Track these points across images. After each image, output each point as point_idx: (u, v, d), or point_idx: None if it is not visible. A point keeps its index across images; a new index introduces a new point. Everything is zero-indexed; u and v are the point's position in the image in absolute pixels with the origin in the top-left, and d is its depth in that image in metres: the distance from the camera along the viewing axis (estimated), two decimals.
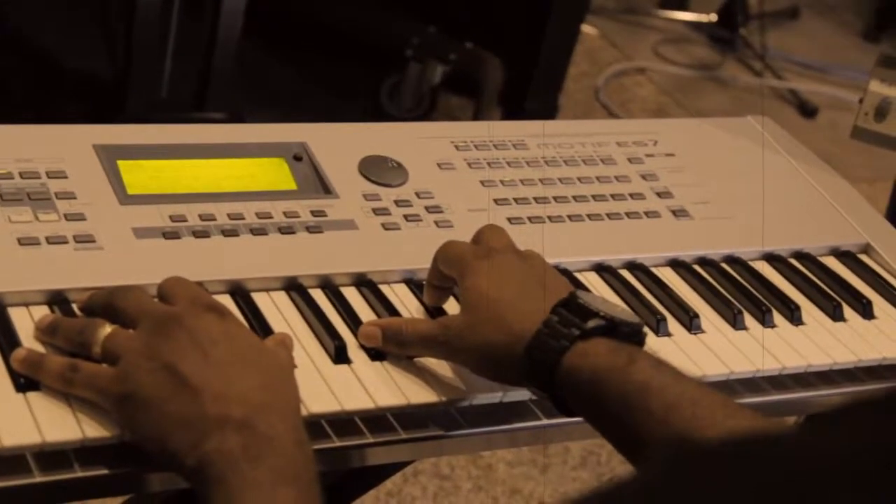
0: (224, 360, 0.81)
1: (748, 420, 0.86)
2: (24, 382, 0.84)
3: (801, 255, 1.21)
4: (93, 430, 0.82)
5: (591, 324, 0.88)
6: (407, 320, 0.99)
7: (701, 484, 0.44)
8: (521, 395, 0.95)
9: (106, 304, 0.89)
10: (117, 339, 0.83)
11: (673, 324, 1.08)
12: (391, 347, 0.96)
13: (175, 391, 0.79)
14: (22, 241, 0.96)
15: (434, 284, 1.01)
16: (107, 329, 0.85)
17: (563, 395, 0.89)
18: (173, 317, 0.83)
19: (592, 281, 1.11)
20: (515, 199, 1.17)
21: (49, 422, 0.82)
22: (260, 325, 0.96)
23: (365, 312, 1.00)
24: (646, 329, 0.94)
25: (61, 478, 0.81)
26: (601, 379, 0.86)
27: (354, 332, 0.97)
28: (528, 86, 2.65)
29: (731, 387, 1.04)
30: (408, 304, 1.03)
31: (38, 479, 0.81)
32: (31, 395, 0.84)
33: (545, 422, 0.96)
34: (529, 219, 1.15)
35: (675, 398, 0.85)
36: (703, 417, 0.84)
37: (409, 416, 0.93)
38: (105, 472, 0.83)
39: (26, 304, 0.92)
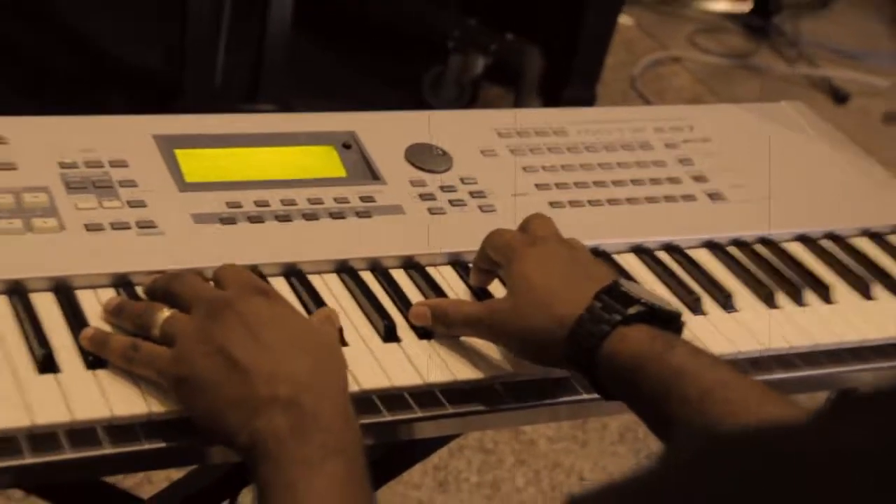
0: (273, 343, 0.82)
1: (780, 405, 0.85)
2: (93, 360, 0.86)
3: (833, 237, 1.21)
4: (158, 405, 0.84)
5: (632, 310, 0.88)
6: (454, 301, 1.00)
7: (725, 473, 0.45)
8: (562, 371, 0.96)
9: (164, 289, 0.91)
10: (174, 323, 0.85)
11: (708, 303, 1.08)
12: (439, 327, 0.97)
13: (227, 373, 0.80)
14: (88, 227, 0.98)
15: (480, 268, 1.02)
16: (165, 313, 0.87)
17: (603, 379, 0.90)
18: (225, 301, 0.85)
19: (630, 262, 1.12)
20: (556, 185, 1.18)
21: (117, 397, 0.84)
22: (316, 305, 0.97)
23: (413, 293, 1.01)
24: (683, 313, 0.95)
25: (129, 450, 0.83)
26: (640, 364, 0.87)
27: (403, 312, 0.99)
28: (567, 75, 2.65)
29: (765, 363, 1.04)
30: (453, 286, 1.04)
31: (108, 450, 0.83)
32: (100, 371, 0.86)
33: (585, 396, 0.97)
34: (570, 203, 1.16)
35: (710, 384, 0.85)
36: (737, 402, 0.84)
37: (456, 392, 0.94)
38: (169, 444, 0.84)
39: (93, 287, 0.94)
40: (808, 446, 0.45)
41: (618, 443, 2.16)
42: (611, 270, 0.98)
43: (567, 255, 0.97)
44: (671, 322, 0.91)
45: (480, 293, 1.04)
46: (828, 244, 1.20)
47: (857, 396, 0.47)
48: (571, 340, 0.89)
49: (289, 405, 0.78)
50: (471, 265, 1.04)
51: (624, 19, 3.19)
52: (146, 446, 0.84)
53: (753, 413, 0.83)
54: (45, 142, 1.05)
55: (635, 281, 1.02)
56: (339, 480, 0.75)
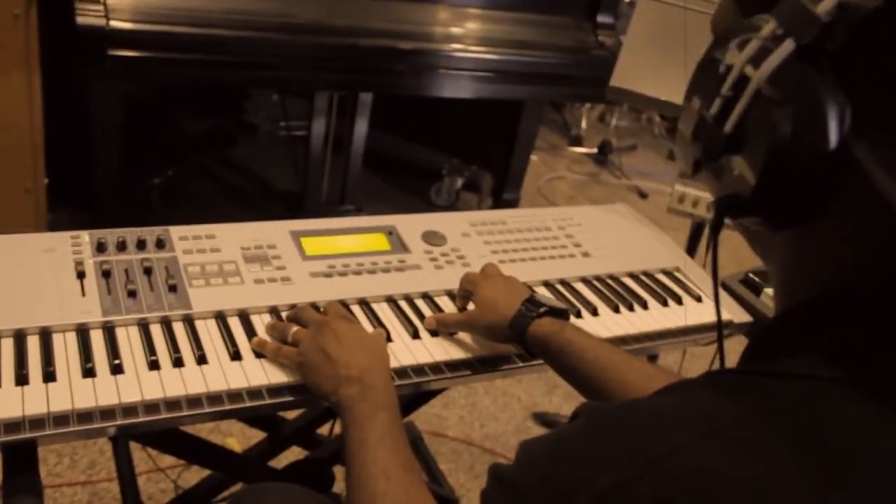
0: (349, 345, 0.80)
1: (622, 355, 0.83)
2: (257, 354, 0.85)
3: (645, 273, 1.18)
4: (292, 378, 0.82)
5: (542, 310, 0.86)
6: (449, 314, 0.97)
7: (602, 438, 0.42)
8: (505, 348, 0.93)
9: (294, 316, 0.89)
10: (298, 335, 0.83)
11: (584, 312, 1.06)
12: (441, 329, 0.94)
13: (324, 362, 0.78)
14: (255, 281, 0.96)
15: (461, 295, 1.00)
16: (294, 328, 0.84)
17: (529, 347, 0.87)
18: (325, 322, 0.83)
19: (541, 290, 1.09)
20: (502, 251, 1.15)
21: (271, 372, 0.82)
22: (377, 320, 0.95)
23: (427, 312, 0.99)
24: (570, 312, 0.92)
25: (280, 400, 0.82)
26: (547, 338, 0.85)
27: (422, 322, 0.96)
28: (504, 187, 2.63)
29: (614, 343, 1.00)
30: (448, 308, 1.01)
31: (268, 401, 0.81)
32: (262, 361, 0.84)
33: (519, 364, 0.94)
34: (510, 260, 1.13)
35: (586, 346, 0.83)
36: (602, 357, 0.82)
37: (449, 364, 0.91)
38: (298, 398, 0.82)
39: (259, 313, 0.92)
40: (645, 407, 0.43)
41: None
42: (528, 289, 0.94)
43: (504, 282, 0.94)
44: (563, 314, 0.88)
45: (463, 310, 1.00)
46: (644, 278, 1.17)
47: (668, 385, 0.45)
48: (511, 328, 0.87)
49: (357, 381, 0.76)
50: (456, 294, 1.01)
51: (533, 157, 3.18)
52: (287, 398, 0.82)
53: (609, 360, 0.81)
54: (234, 236, 1.03)
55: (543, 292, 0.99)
56: (385, 423, 0.72)
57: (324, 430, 1.32)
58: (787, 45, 0.38)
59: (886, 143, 0.36)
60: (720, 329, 0.54)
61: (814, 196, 0.39)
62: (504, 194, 2.62)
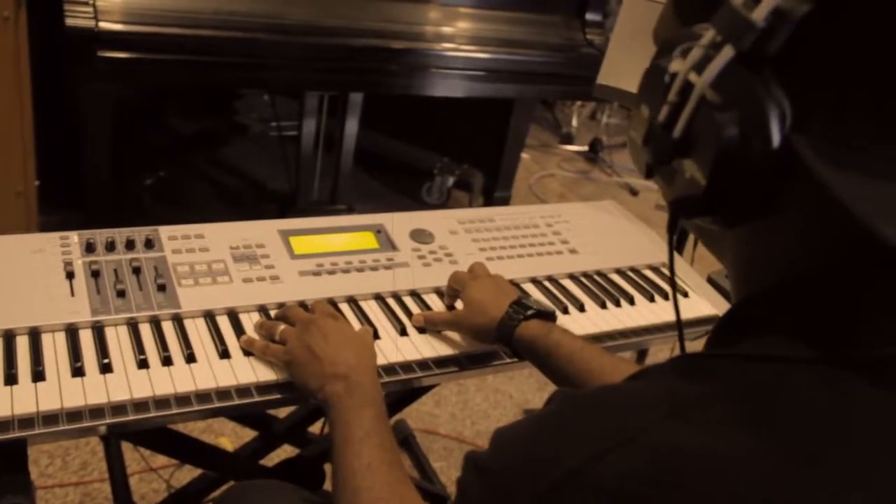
0: (335, 342, 0.80)
1: (608, 358, 0.84)
2: (245, 352, 0.85)
3: (632, 269, 1.19)
4: (281, 376, 0.82)
5: (529, 312, 0.87)
6: (436, 312, 0.98)
7: (574, 420, 0.43)
8: (494, 348, 0.93)
9: (282, 315, 0.89)
10: (286, 333, 0.84)
11: (571, 308, 1.07)
12: (429, 327, 0.95)
13: (311, 360, 0.79)
14: (244, 280, 0.97)
15: (449, 294, 1.00)
16: (281, 327, 0.85)
17: (516, 349, 0.88)
18: (312, 321, 0.84)
19: (529, 287, 1.10)
20: (490, 248, 1.16)
21: (259, 370, 0.82)
22: (365, 318, 0.96)
23: (415, 309, 0.99)
24: (557, 312, 0.93)
25: (269, 398, 0.82)
26: (535, 341, 0.86)
27: (410, 320, 0.96)
28: (496, 185, 2.63)
29: (601, 338, 1.02)
30: (436, 305, 1.01)
31: (257, 398, 0.81)
32: (251, 359, 0.84)
33: (506, 361, 0.94)
34: (497, 257, 1.14)
35: (573, 349, 0.84)
36: (588, 360, 0.83)
37: (438, 361, 0.92)
38: (286, 395, 0.83)
39: (248, 312, 0.93)
40: (621, 392, 0.44)
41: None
42: (516, 290, 0.95)
43: (492, 283, 0.95)
44: (550, 316, 0.89)
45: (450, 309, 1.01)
46: (631, 273, 1.18)
47: (640, 369, 0.46)
48: (498, 330, 0.88)
49: (343, 378, 0.76)
50: (445, 292, 1.02)
51: (524, 155, 3.18)
52: (276, 396, 0.82)
53: (596, 362, 0.82)
54: (223, 236, 1.03)
55: (531, 296, 1.00)
56: (371, 420, 0.73)
57: (315, 428, 1.32)
58: (727, 52, 0.39)
59: (825, 137, 0.37)
60: (679, 322, 0.55)
61: (763, 193, 0.40)
62: (495, 192, 2.62)
